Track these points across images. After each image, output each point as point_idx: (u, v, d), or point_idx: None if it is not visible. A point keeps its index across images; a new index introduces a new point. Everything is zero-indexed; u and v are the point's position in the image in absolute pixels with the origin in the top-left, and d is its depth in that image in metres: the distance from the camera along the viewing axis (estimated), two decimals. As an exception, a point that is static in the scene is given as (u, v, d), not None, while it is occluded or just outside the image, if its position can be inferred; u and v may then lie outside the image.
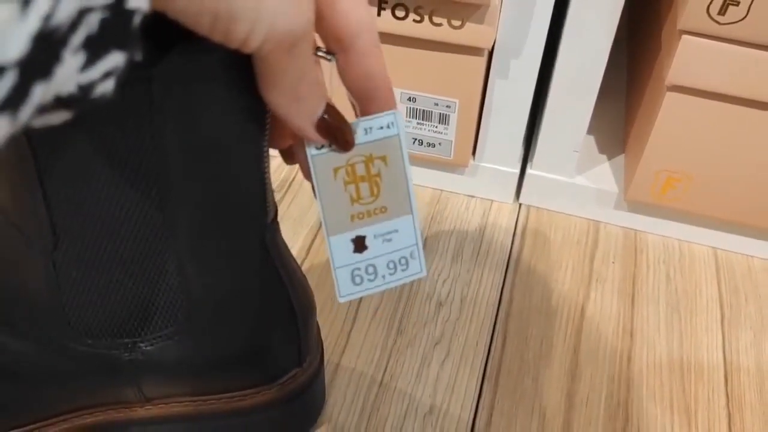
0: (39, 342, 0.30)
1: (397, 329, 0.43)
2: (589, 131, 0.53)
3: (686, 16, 0.39)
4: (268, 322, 0.32)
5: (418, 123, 0.50)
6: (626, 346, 0.43)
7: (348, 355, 0.41)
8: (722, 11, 0.38)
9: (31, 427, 0.33)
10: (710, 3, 0.38)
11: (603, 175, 0.52)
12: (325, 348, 0.38)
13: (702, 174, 0.46)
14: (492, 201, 0.53)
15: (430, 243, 0.49)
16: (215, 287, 0.29)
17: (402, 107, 0.49)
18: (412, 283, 0.45)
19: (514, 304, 0.45)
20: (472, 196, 0.53)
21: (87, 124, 0.24)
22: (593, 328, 0.43)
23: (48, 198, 0.26)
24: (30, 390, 0.32)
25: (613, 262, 0.48)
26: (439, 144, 0.50)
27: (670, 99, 0.43)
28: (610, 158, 0.53)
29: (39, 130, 0.19)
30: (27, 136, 0.24)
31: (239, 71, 0.23)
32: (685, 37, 0.40)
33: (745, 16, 0.38)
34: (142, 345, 0.31)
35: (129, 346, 0.31)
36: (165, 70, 0.23)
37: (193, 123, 0.24)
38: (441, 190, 0.53)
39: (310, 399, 0.36)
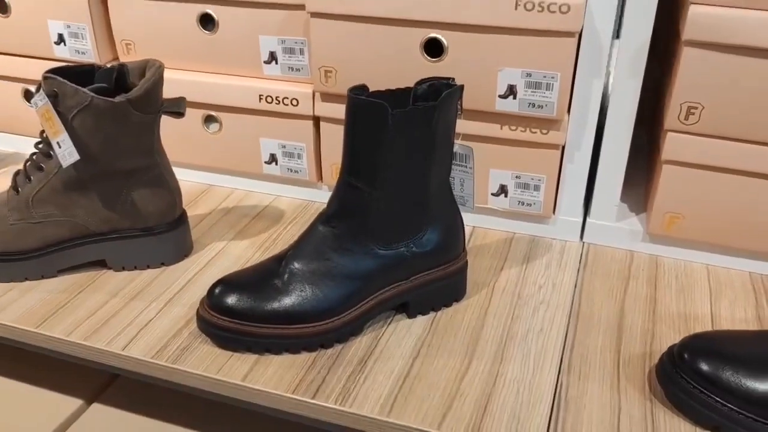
0: (365, 251, 0.65)
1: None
2: (624, 194, 0.86)
3: (668, 120, 0.74)
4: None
5: (522, 191, 0.84)
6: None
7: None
8: (686, 117, 0.73)
9: (360, 305, 0.67)
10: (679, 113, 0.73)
11: (632, 218, 0.84)
12: (480, 296, 0.70)
13: (692, 214, 0.78)
14: (567, 241, 0.86)
15: (549, 266, 0.81)
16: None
17: (512, 181, 0.83)
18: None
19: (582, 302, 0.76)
20: (554, 238, 0.86)
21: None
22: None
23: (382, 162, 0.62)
24: (362, 283, 0.66)
25: (643, 270, 0.80)
26: (533, 204, 0.84)
27: (668, 171, 0.77)
28: (636, 207, 0.85)
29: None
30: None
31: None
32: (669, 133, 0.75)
33: (697, 121, 0.72)
34: (412, 246, 0.66)
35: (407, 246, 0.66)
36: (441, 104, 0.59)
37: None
38: (532, 235, 0.86)
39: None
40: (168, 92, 0.78)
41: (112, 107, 0.71)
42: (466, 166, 0.72)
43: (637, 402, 0.62)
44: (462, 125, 0.81)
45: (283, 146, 0.91)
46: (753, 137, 0.72)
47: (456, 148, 0.71)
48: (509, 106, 0.78)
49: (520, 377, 0.65)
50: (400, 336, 0.70)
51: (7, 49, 0.98)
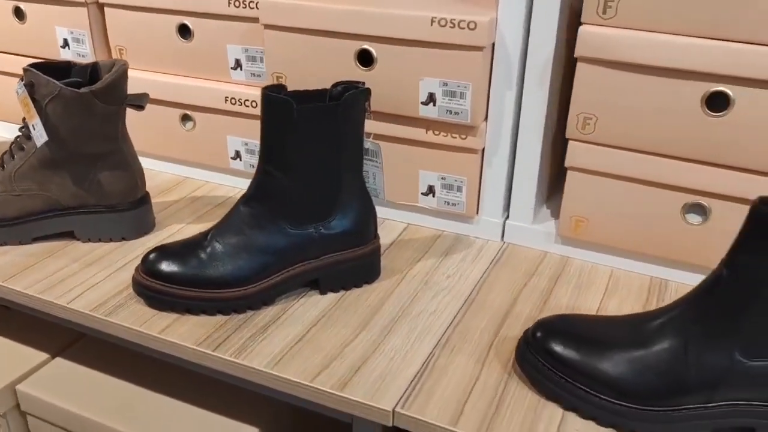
0: (277, 230, 0.75)
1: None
2: (550, 198, 0.93)
3: (569, 129, 0.81)
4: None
5: (447, 191, 0.92)
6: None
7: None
8: (583, 127, 0.80)
9: (271, 278, 0.76)
10: (576, 120, 0.80)
11: (550, 221, 0.91)
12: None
13: (595, 218, 0.85)
14: (489, 240, 0.93)
15: (463, 260, 0.89)
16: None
17: (439, 182, 0.91)
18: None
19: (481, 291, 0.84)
20: (478, 237, 0.93)
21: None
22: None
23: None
24: (274, 258, 0.75)
25: (550, 268, 0.86)
26: (457, 204, 0.92)
27: (571, 175, 0.84)
28: (555, 212, 0.92)
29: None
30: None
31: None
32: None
33: (593, 131, 0.79)
34: (321, 228, 0.74)
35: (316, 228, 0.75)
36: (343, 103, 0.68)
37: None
38: (458, 234, 0.94)
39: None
40: (152, 93, 0.89)
41: (78, 97, 0.83)
42: (376, 161, 0.81)
43: (495, 374, 0.69)
44: (393, 128, 0.90)
45: (246, 143, 1.02)
46: (643, 147, 0.79)
47: (367, 145, 0.80)
48: (430, 112, 0.86)
49: (399, 347, 0.72)
50: (307, 308, 0.79)
51: (21, 51, 1.13)
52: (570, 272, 0.86)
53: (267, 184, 0.76)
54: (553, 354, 0.64)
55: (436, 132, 0.88)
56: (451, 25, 0.80)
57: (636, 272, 0.86)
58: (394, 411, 0.64)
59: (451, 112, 0.85)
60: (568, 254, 0.90)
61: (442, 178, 0.91)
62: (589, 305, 0.80)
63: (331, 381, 0.68)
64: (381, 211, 0.97)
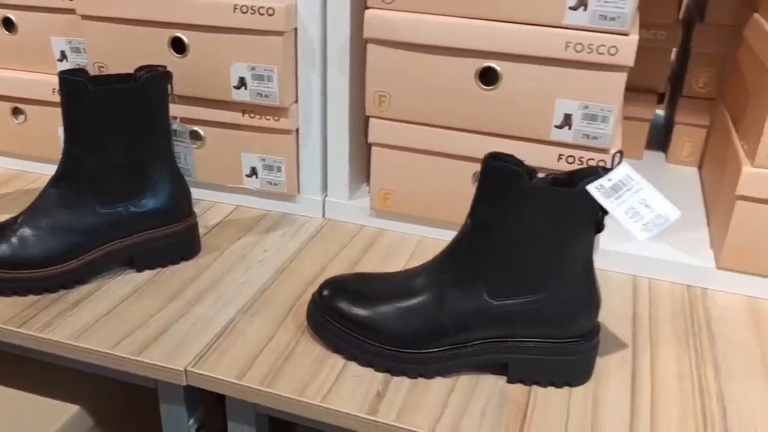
0: (86, 209, 0.77)
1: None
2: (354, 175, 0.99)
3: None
4: None
5: (268, 172, 0.96)
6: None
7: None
8: (380, 104, 0.86)
9: (83, 256, 0.78)
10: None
11: (361, 197, 0.97)
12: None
13: (400, 190, 0.91)
14: (311, 217, 0.98)
15: (283, 235, 0.94)
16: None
17: (260, 163, 0.96)
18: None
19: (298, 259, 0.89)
20: (301, 215, 0.98)
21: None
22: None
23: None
24: (85, 237, 0.77)
25: (363, 240, 0.92)
26: (278, 184, 0.97)
27: (375, 151, 0.90)
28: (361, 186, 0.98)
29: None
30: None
31: None
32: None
33: (388, 108, 0.86)
34: (130, 206, 0.77)
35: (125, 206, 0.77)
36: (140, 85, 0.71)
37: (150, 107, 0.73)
38: (283, 213, 0.99)
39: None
40: None
41: None
42: (184, 142, 0.84)
43: (289, 333, 0.74)
44: (212, 113, 0.94)
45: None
46: (432, 121, 0.86)
47: (175, 126, 0.84)
48: (243, 95, 0.91)
49: (203, 315, 0.76)
50: (122, 285, 0.81)
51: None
52: (381, 242, 0.93)
53: (73, 165, 0.79)
54: (335, 309, 0.70)
55: (252, 115, 0.93)
56: (252, 11, 0.85)
57: (442, 239, 0.93)
58: (186, 370, 0.68)
59: (261, 95, 0.90)
60: (383, 227, 0.96)
61: (262, 160, 0.96)
62: (391, 269, 0.86)
63: (130, 347, 0.71)
64: (210, 195, 1.01)
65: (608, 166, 0.65)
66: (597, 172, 0.62)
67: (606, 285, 0.85)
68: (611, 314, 0.79)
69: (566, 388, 0.67)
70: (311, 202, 0.98)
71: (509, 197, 0.62)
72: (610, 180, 0.61)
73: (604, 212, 0.63)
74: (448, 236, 0.93)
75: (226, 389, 0.67)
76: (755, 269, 0.82)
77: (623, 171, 0.61)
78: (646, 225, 0.59)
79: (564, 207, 0.62)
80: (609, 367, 0.71)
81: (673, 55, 1.20)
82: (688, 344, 0.75)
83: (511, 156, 0.63)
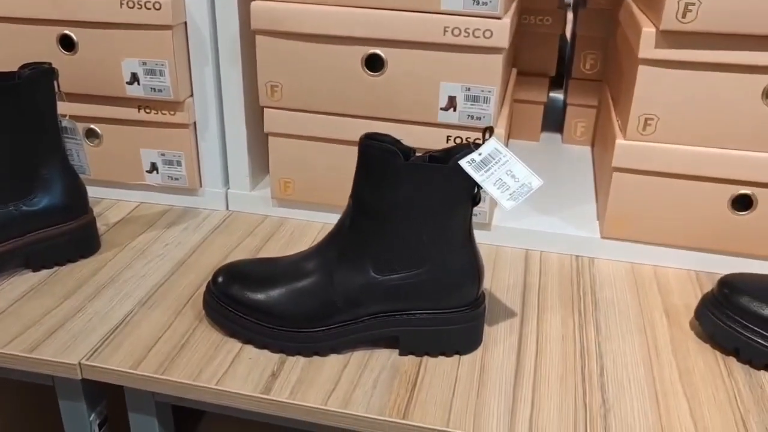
0: None
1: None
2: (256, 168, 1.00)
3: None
4: None
5: (168, 167, 0.97)
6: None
7: (108, 263, 0.85)
8: (272, 95, 0.87)
9: None
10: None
11: (264, 187, 0.98)
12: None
13: (299, 179, 0.93)
14: (215, 210, 0.99)
15: (186, 229, 0.94)
16: None
17: (160, 158, 0.96)
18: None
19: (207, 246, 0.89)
20: (205, 208, 0.99)
21: None
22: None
23: None
24: None
25: (266, 229, 0.94)
26: (179, 178, 0.97)
27: (272, 140, 0.91)
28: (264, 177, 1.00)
29: None
30: None
31: None
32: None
33: (281, 98, 0.87)
34: (21, 206, 0.76)
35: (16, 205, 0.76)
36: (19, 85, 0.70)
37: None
38: (186, 207, 0.99)
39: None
40: None
41: None
42: (76, 139, 0.84)
43: (187, 321, 0.75)
44: (108, 110, 0.93)
45: None
46: (323, 108, 0.88)
47: (65, 123, 0.83)
48: (136, 91, 0.91)
49: (100, 310, 0.76)
50: (16, 285, 0.81)
51: None
52: (284, 231, 0.94)
53: (-42, 168, 0.78)
54: (229, 295, 0.71)
55: (147, 110, 0.93)
56: (139, 6, 0.85)
57: (343, 224, 0.95)
58: (80, 364, 0.68)
59: (154, 89, 0.90)
60: (286, 215, 0.97)
61: (162, 155, 0.96)
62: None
63: (22, 345, 0.70)
64: (112, 193, 1.01)
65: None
66: (469, 147, 0.65)
67: (499, 259, 0.89)
68: (502, 286, 0.83)
69: (456, 357, 0.71)
70: (214, 195, 0.98)
71: (385, 176, 0.64)
72: (480, 154, 0.64)
73: (479, 186, 0.66)
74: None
75: (121, 379, 0.68)
76: (635, 236, 0.87)
77: (491, 145, 0.64)
78: (512, 194, 0.62)
79: (439, 182, 0.64)
80: (497, 335, 0.74)
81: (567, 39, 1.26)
82: (573, 309, 0.79)
83: (387, 136, 0.66)
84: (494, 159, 0.64)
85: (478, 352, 0.71)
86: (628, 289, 0.83)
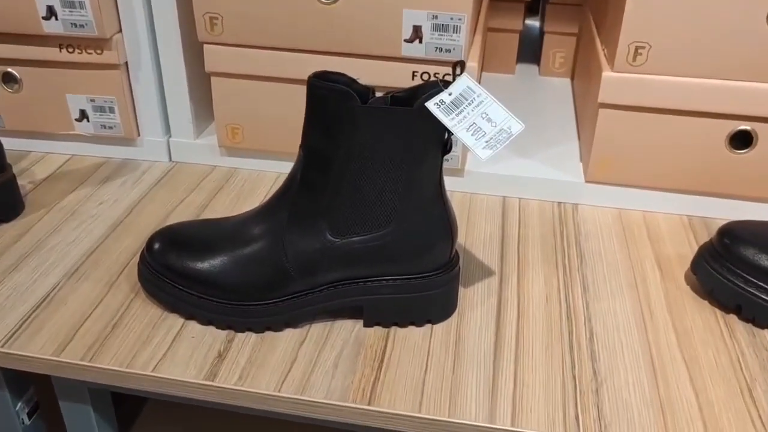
0: None
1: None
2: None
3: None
4: None
5: (99, 114, 0.85)
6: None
7: (32, 228, 0.75)
8: (212, 29, 0.76)
9: None
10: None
11: (211, 134, 0.88)
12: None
13: (248, 125, 0.82)
14: (156, 161, 0.88)
15: (123, 184, 0.83)
16: None
17: (89, 105, 0.85)
18: (82, 196, 0.79)
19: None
20: (145, 159, 0.88)
21: None
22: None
23: None
24: None
25: (213, 182, 0.84)
26: (114, 126, 0.86)
27: (215, 81, 0.80)
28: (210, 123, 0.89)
29: None
30: None
31: None
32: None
33: (222, 32, 0.76)
34: None
35: None
36: None
37: None
38: (124, 159, 0.89)
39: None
40: None
41: None
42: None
43: (121, 295, 0.65)
44: (23, 50, 0.81)
45: None
46: (275, 44, 0.76)
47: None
48: (54, 27, 0.78)
49: (20, 284, 0.66)
50: (-76, 258, 0.70)
51: None
52: (234, 183, 0.84)
53: None
54: (166, 265, 0.61)
55: (70, 49, 0.81)
56: (49, -73, 0.73)
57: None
58: (-6, 351, 0.59)
59: (75, 25, 0.78)
60: (236, 165, 0.87)
61: (91, 101, 0.85)
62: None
63: (-72, 330, 0.61)
64: (38, 145, 0.89)
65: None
66: (437, 86, 0.56)
67: (474, 209, 0.80)
68: (478, 240, 0.75)
69: (427, 327, 0.62)
70: (154, 145, 0.88)
71: (340, 121, 0.54)
72: (450, 94, 0.54)
73: (450, 131, 0.56)
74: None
75: (43, 368, 0.59)
76: (622, 180, 0.79)
77: (463, 83, 0.54)
78: (489, 142, 0.53)
79: (403, 128, 0.55)
80: (474, 298, 0.66)
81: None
82: (557, 264, 0.71)
83: (340, 74, 0.56)
84: (467, 99, 0.54)
85: (453, 319, 0.63)
86: (616, 239, 0.75)
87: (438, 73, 0.75)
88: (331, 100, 0.54)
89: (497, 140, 0.53)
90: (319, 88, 0.54)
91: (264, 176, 0.86)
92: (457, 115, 0.54)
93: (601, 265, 0.71)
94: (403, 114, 0.54)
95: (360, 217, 0.58)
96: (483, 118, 0.53)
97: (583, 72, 0.94)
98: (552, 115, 0.97)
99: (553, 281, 0.69)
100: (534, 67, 1.13)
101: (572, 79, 1.08)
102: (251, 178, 0.85)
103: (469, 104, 0.54)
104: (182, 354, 0.59)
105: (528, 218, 0.79)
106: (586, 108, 0.86)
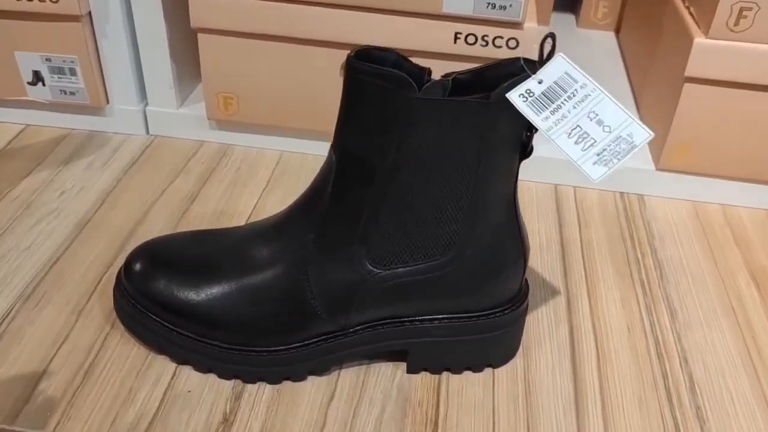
0: None
1: (20, 210, 0.61)
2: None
3: None
4: None
5: (58, 77, 0.69)
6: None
7: None
8: (197, -25, 0.59)
9: None
10: None
11: (197, 102, 0.72)
12: None
13: (243, 95, 0.67)
14: (131, 134, 0.72)
15: (90, 166, 0.68)
16: None
17: (45, 65, 0.68)
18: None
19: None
20: (117, 132, 0.72)
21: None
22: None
23: None
24: None
25: (203, 163, 0.68)
26: (76, 92, 0.69)
27: (202, 39, 0.64)
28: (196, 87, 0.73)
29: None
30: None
31: None
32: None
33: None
34: None
35: None
36: None
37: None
38: (90, 131, 0.72)
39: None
40: None
41: None
42: None
43: (94, 326, 0.51)
44: (-44, -3, 0.64)
45: None
46: None
47: None
48: (-6, -33, 0.61)
49: (-40, 310, 0.52)
50: None
51: None
52: (228, 164, 0.69)
53: None
54: (150, 294, 0.47)
55: (17, -4, 0.64)
56: None
57: (308, 153, 0.71)
58: (-76, 414, 0.45)
59: (22, -35, 0.61)
60: (229, 141, 0.72)
61: (47, 60, 0.68)
62: (243, 208, 0.63)
63: None
64: (-16, 112, 0.73)
65: (532, 56, 0.43)
66: (519, 66, 0.41)
67: (522, 200, 0.66)
68: (534, 245, 0.61)
69: (487, 372, 0.49)
70: (127, 115, 0.72)
71: (392, 118, 0.40)
72: (541, 82, 0.40)
73: (533, 129, 0.42)
74: (315, 149, 0.71)
75: (-9, 438, 0.45)
76: (699, 168, 0.65)
77: (560, 67, 0.40)
78: (601, 154, 0.39)
79: (475, 126, 0.40)
80: (540, 329, 0.53)
81: None
82: (632, 278, 0.58)
83: (389, 50, 0.41)
84: (565, 91, 0.40)
85: (517, 359, 0.50)
86: (697, 242, 0.62)
87: (487, 36, 0.60)
88: (383, 90, 0.39)
89: (614, 152, 0.38)
90: (363, 73, 0.39)
91: (264, 155, 0.70)
92: (553, 112, 0.39)
93: (686, 279, 0.58)
94: (477, 108, 0.39)
95: (410, 242, 0.44)
96: (591, 120, 0.39)
97: (645, 29, 0.79)
98: (597, 78, 0.82)
99: (632, 304, 0.56)
100: (571, 17, 0.98)
101: (617, 32, 0.93)
102: (248, 157, 0.70)
103: (570, 98, 0.39)
104: (174, 418, 0.45)
105: (588, 214, 0.65)
106: (652, 77, 0.72)
